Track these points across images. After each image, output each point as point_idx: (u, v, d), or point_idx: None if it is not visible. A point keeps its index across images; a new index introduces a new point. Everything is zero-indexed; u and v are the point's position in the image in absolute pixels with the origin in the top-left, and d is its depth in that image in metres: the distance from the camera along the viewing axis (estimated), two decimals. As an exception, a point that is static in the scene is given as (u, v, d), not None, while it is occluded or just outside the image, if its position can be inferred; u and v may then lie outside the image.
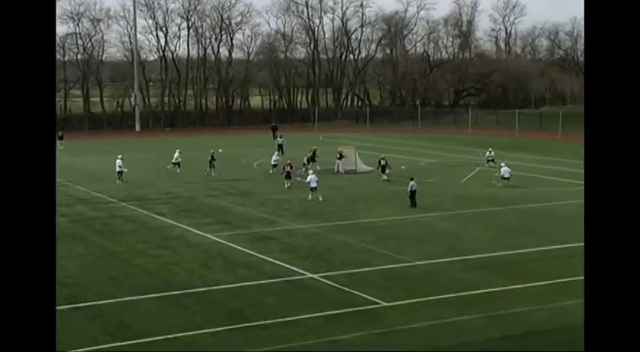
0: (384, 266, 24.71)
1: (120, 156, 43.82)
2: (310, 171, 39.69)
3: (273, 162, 46.66)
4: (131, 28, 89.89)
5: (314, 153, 48.15)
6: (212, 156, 46.29)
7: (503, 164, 43.48)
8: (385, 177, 42.51)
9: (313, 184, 37.06)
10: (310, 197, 36.93)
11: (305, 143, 58.35)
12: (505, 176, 41.84)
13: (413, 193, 35.38)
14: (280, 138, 59.74)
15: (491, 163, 49.60)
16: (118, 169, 43.25)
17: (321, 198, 36.65)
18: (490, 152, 51.60)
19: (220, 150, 49.52)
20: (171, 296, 21.50)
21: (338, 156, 47.30)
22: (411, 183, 35.69)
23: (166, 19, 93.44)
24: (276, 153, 47.96)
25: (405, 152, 59.35)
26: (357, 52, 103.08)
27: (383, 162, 44.04)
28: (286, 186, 40.50)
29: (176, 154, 47.17)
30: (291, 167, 41.60)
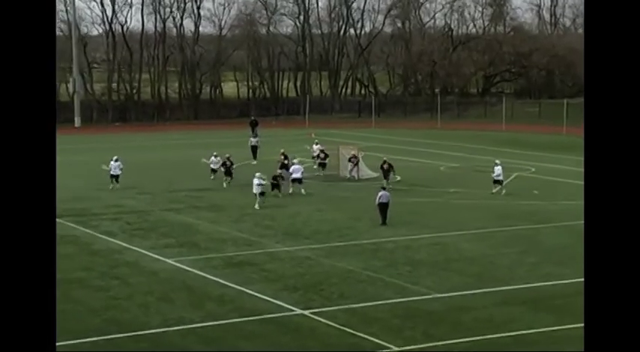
0: (394, 300, 24.73)
1: (115, 158, 44.64)
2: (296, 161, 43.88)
3: (212, 166, 46.96)
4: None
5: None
6: (227, 161, 45.85)
7: (497, 162, 44.14)
8: (385, 183, 42.76)
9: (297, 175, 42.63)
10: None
11: (293, 142, 58.38)
12: (499, 178, 42.91)
13: (383, 206, 35.45)
14: (254, 138, 58.34)
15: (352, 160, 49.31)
16: (113, 173, 44.31)
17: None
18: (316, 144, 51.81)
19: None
20: (120, 339, 21.44)
21: (352, 159, 47.82)
22: (380, 193, 35.83)
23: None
24: (214, 153, 47.59)
25: (421, 154, 59.45)
26: (359, 25, 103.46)
27: (386, 166, 44.38)
28: (274, 194, 41.18)
29: (111, 163, 44.93)
30: (282, 178, 42.27)
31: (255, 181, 39.36)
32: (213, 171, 47.21)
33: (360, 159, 48.43)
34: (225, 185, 45.06)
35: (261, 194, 39.36)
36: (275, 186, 41.72)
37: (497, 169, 42.95)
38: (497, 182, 42.90)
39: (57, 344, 20.81)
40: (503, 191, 42.78)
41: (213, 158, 47.51)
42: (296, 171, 43.20)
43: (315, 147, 51.54)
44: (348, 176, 47.63)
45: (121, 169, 44.57)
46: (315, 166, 49.61)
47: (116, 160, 44.60)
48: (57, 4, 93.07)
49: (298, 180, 42.98)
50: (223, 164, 45.76)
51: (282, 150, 48.64)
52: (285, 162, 46.75)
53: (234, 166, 45.97)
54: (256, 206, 38.99)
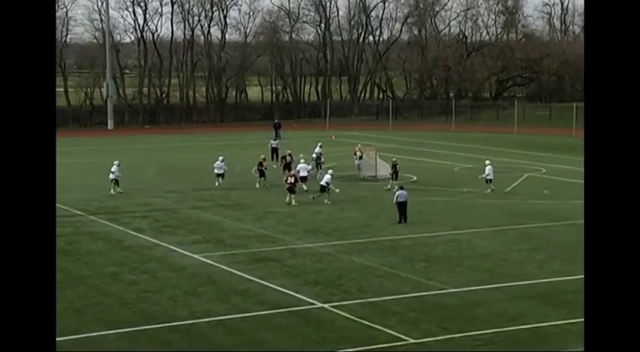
0: (410, 295, 24.67)
1: (116, 163, 42.99)
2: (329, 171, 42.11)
3: (216, 171, 44.98)
4: (102, 3, 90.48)
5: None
6: (264, 161, 45.00)
7: (488, 162, 43.80)
8: (388, 186, 42.68)
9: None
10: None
11: (314, 144, 58.32)
12: (489, 177, 42.62)
13: (401, 205, 35.28)
14: (275, 140, 57.79)
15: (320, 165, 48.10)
16: (112, 176, 42.42)
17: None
18: (320, 147, 50.57)
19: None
20: (151, 330, 21.50)
21: (357, 156, 47.64)
22: (399, 192, 35.66)
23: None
24: (221, 158, 46.18)
25: (436, 155, 59.31)
26: (377, 32, 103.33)
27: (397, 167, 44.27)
28: (287, 200, 39.90)
29: (114, 167, 43.01)
30: (295, 180, 40.52)
31: (328, 177, 40.28)
32: (219, 175, 44.90)
33: (379, 159, 48.27)
34: (258, 185, 44.40)
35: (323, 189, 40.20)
36: (292, 191, 40.11)
37: (488, 169, 42.78)
38: (488, 181, 42.67)
39: (90, 334, 21.00)
40: (489, 189, 42.58)
41: (218, 162, 45.17)
42: (302, 169, 42.88)
43: (317, 149, 50.49)
44: (361, 177, 47.43)
45: (121, 173, 42.79)
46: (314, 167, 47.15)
47: (118, 165, 42.89)
48: (92, 14, 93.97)
49: (304, 179, 42.58)
50: (260, 164, 44.88)
51: (288, 151, 48.50)
52: (291, 162, 46.47)
53: (267, 168, 45.64)
54: (326, 201, 39.54)
